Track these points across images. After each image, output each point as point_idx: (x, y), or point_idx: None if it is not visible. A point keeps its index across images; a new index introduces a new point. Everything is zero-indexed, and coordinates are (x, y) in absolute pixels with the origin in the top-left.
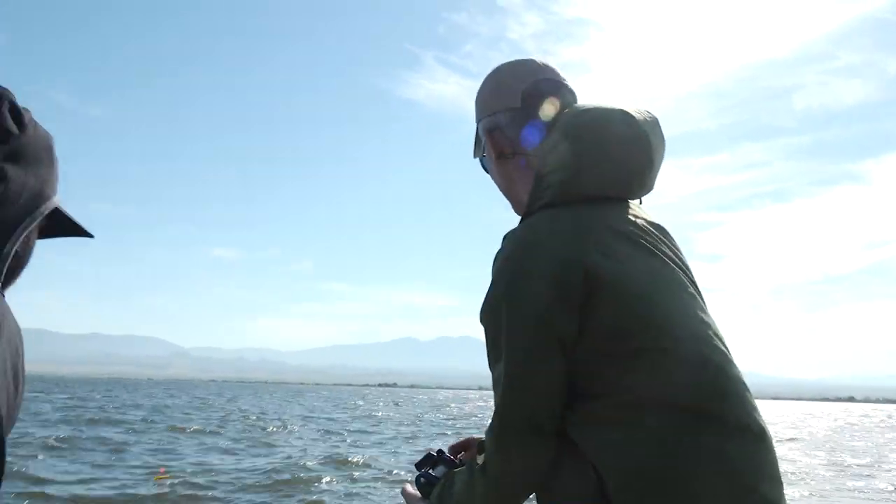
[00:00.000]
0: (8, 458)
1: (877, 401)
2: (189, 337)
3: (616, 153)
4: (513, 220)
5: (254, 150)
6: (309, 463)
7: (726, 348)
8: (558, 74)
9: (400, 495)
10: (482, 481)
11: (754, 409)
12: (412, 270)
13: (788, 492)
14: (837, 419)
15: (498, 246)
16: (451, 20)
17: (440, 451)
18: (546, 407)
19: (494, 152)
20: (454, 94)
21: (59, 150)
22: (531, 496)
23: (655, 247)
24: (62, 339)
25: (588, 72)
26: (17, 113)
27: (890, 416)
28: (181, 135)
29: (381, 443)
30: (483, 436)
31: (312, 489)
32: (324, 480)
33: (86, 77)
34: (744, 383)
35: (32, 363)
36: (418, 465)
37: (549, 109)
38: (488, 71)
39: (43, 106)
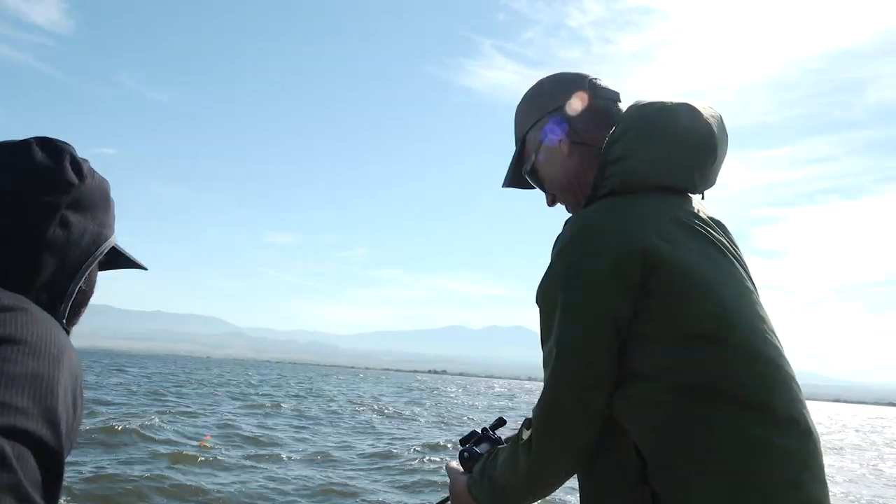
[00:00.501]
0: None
1: None
2: (245, 317)
3: (680, 145)
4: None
5: (313, 137)
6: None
7: (780, 344)
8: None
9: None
10: (526, 457)
11: (803, 405)
12: (464, 259)
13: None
14: None
15: (552, 233)
16: (511, 7)
17: (485, 429)
18: (597, 386)
19: (568, 143)
20: (511, 82)
21: (127, 133)
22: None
23: (715, 239)
24: (126, 316)
25: (651, 61)
26: (76, 165)
27: None
28: (243, 122)
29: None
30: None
31: None
32: None
33: (151, 61)
34: (795, 380)
35: (99, 338)
36: (462, 441)
37: (576, 104)
38: (546, 58)
39: (113, 91)
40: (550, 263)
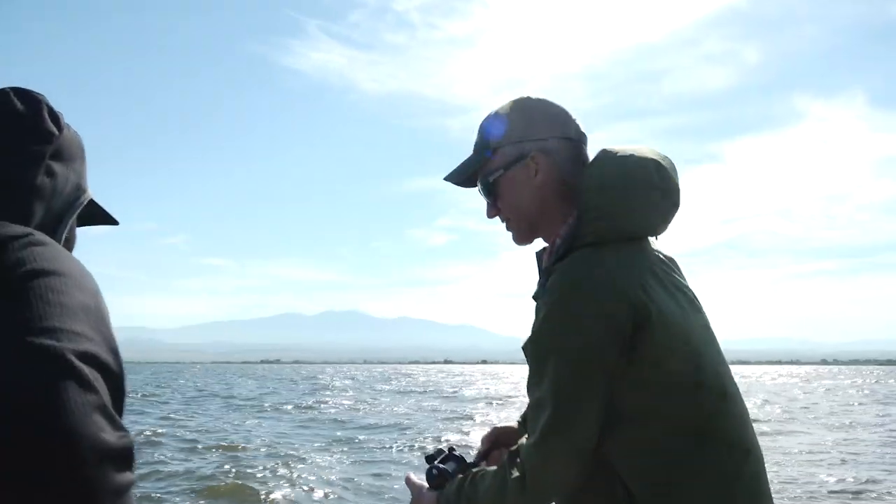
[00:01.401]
0: None
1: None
2: None
3: (652, 200)
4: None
5: (123, 117)
6: None
7: (732, 377)
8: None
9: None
10: (517, 492)
11: (753, 433)
12: (295, 245)
13: None
14: None
15: (383, 216)
16: None
17: (451, 448)
18: (589, 429)
19: (540, 175)
20: (339, 65)
21: None
22: None
23: (676, 284)
24: None
25: (472, 47)
26: (54, 115)
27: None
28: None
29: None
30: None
31: None
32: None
33: None
34: (746, 410)
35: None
36: (429, 459)
37: (563, 145)
38: (373, 41)
39: None
40: (546, 312)
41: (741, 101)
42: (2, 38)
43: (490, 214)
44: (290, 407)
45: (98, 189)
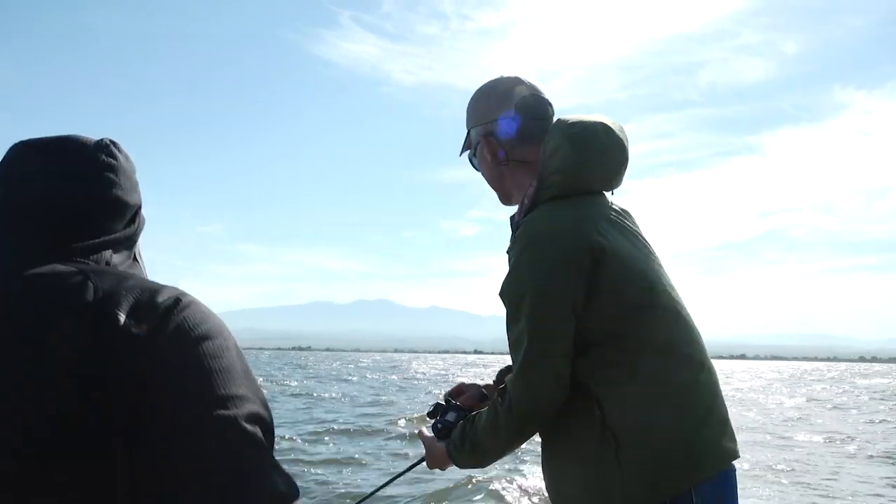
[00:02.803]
0: None
1: (755, 357)
2: None
3: (602, 157)
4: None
5: (162, 106)
6: None
7: (683, 302)
8: (541, 90)
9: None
10: (507, 419)
11: (704, 348)
12: (328, 234)
13: None
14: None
15: (417, 208)
16: None
17: (447, 399)
18: (562, 356)
19: (490, 155)
20: (371, 55)
21: None
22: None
23: (629, 228)
24: None
25: (505, 38)
26: (118, 148)
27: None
28: (92, 84)
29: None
30: (484, 381)
31: None
32: None
33: None
34: (700, 333)
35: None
36: (430, 415)
37: (506, 126)
38: (405, 31)
39: None
40: (514, 262)
41: (780, 93)
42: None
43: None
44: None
45: (142, 176)
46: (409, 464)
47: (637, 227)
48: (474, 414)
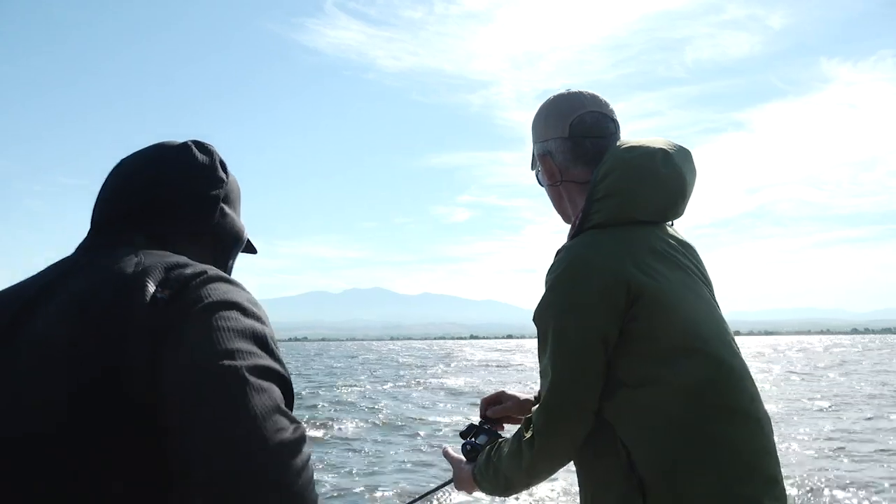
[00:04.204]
0: None
1: (749, 333)
2: None
3: (657, 187)
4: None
5: (142, 102)
6: None
7: (737, 348)
8: (605, 106)
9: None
10: (530, 454)
11: (758, 401)
12: (320, 223)
13: None
14: None
15: (408, 194)
16: None
17: (481, 422)
18: (590, 393)
19: (547, 176)
20: (356, 42)
21: None
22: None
23: (681, 262)
24: None
25: (491, 21)
26: (223, 164)
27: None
28: (62, 81)
29: None
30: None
31: None
32: None
33: None
34: (751, 379)
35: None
36: (463, 435)
37: (561, 146)
38: (389, 17)
39: None
40: (548, 289)
41: (766, 68)
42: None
43: None
44: None
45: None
46: (439, 483)
47: (697, 262)
48: (501, 441)
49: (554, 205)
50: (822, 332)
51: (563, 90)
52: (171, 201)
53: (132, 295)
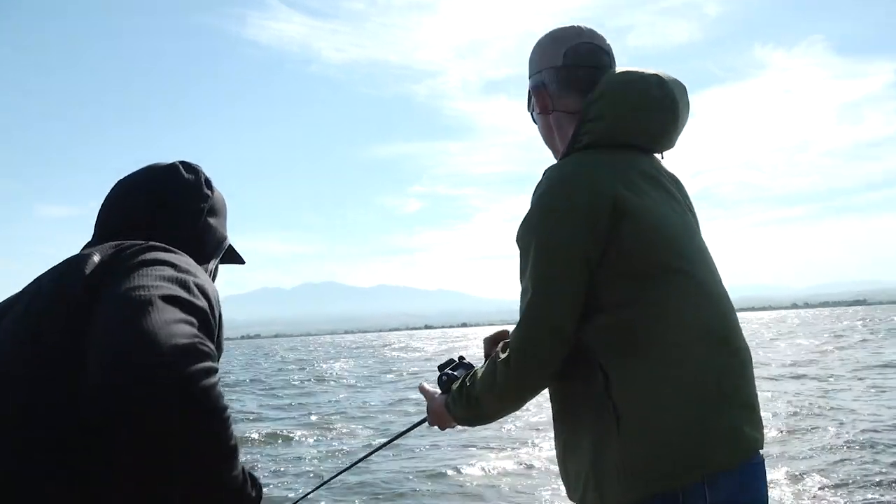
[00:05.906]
0: None
1: None
2: None
3: (649, 111)
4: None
5: (82, 113)
6: None
7: (720, 278)
8: (601, 39)
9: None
10: (504, 372)
11: (737, 329)
12: (269, 219)
13: None
14: None
15: (356, 188)
16: None
17: (461, 357)
18: (568, 314)
19: (539, 107)
20: (299, 34)
21: None
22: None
23: (670, 189)
24: None
25: (435, 11)
26: (208, 181)
27: None
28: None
29: None
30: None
31: None
32: None
33: None
34: (733, 310)
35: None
36: (440, 367)
37: (551, 75)
38: (330, 8)
39: None
40: (531, 207)
41: (704, 55)
42: None
43: None
44: None
45: (61, 168)
46: (411, 423)
47: (685, 195)
48: (478, 368)
49: (544, 138)
50: (764, 308)
51: (556, 27)
52: (160, 214)
53: (81, 261)
